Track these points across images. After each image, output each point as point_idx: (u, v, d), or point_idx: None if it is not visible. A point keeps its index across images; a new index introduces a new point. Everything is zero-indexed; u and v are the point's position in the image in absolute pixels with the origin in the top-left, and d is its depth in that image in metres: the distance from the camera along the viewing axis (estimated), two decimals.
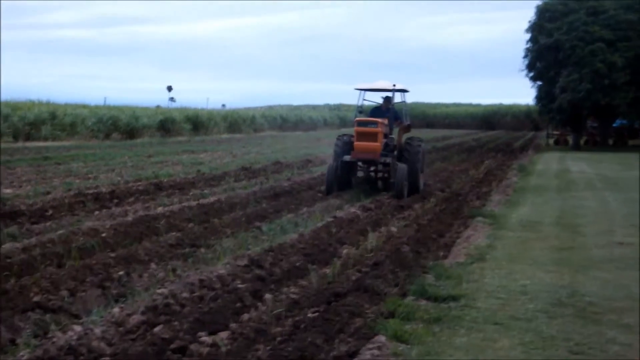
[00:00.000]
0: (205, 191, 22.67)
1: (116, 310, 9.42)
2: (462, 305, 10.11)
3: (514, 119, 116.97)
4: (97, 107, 61.82)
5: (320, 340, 8.41)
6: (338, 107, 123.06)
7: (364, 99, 25.49)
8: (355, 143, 23.29)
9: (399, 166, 23.12)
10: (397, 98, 25.53)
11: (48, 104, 55.30)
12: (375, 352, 7.98)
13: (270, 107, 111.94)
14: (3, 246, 13.21)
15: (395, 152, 24.17)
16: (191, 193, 22.12)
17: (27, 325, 8.93)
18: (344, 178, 23.80)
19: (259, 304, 10.27)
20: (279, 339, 8.60)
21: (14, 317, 9.16)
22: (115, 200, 19.87)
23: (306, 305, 10.16)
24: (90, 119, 52.92)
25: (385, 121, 23.98)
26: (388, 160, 23.51)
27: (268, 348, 8.20)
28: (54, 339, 8.13)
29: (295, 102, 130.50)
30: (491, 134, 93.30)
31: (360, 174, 24.45)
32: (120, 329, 8.78)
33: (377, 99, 25.90)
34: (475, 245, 14.65)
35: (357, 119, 24.11)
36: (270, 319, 9.25)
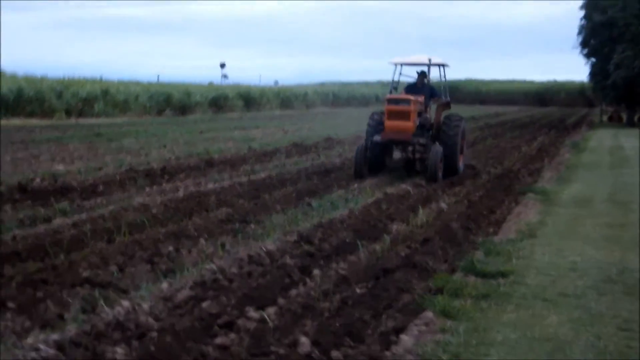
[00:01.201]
0: (256, 167, 22.71)
1: (164, 285, 9.45)
2: (511, 281, 10.05)
3: (567, 95, 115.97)
4: (150, 84, 62.12)
5: (367, 315, 8.41)
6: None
7: (401, 74, 23.75)
8: (386, 122, 21.66)
9: (433, 147, 21.30)
10: (436, 73, 24.29)
11: (101, 81, 55.69)
12: (423, 328, 7.97)
13: (322, 84, 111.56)
14: (54, 221, 13.36)
15: (432, 132, 22.40)
16: (242, 169, 22.14)
17: (75, 300, 8.97)
18: (377, 160, 22.09)
19: (308, 279, 10.26)
20: (326, 314, 8.60)
21: (62, 292, 9.23)
22: (166, 177, 19.94)
23: (355, 281, 10.13)
24: (143, 96, 53.27)
25: (420, 98, 22.13)
26: (422, 140, 21.58)
27: (315, 324, 8.20)
28: (102, 314, 8.17)
29: (348, 79, 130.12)
30: (544, 110, 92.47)
31: (396, 155, 22.43)
32: (168, 304, 8.80)
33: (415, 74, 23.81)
34: (525, 222, 14.54)
35: (388, 96, 22.52)
36: (318, 295, 9.23)
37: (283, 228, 13.38)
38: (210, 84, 76.80)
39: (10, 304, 8.72)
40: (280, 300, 9.20)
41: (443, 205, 16.53)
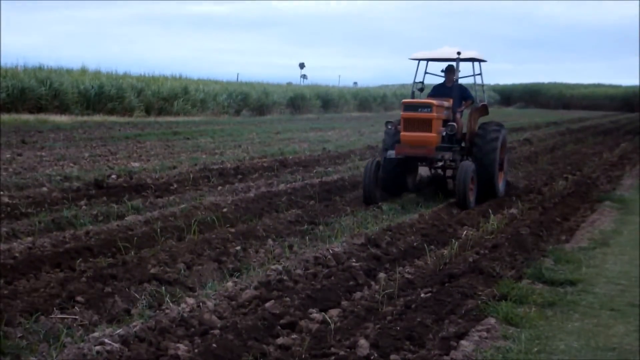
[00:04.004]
0: (329, 169, 22.76)
1: (230, 284, 9.56)
2: (578, 290, 9.91)
3: None
4: (228, 83, 62.66)
5: (429, 320, 8.38)
6: (471, 87, 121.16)
7: (427, 72, 19.39)
8: (402, 133, 17.33)
9: (462, 164, 17.24)
10: (468, 70, 20.15)
11: (181, 79, 56.31)
12: (484, 334, 7.90)
13: (402, 86, 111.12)
14: (126, 218, 13.59)
15: (465, 144, 18.37)
16: (315, 170, 22.22)
17: (142, 296, 9.14)
18: (392, 180, 17.97)
19: (373, 282, 10.28)
20: (389, 318, 8.59)
21: (130, 287, 9.40)
22: (239, 176, 20.17)
23: (420, 285, 10.14)
24: (221, 95, 53.75)
25: (447, 102, 17.94)
26: (448, 155, 17.53)
27: (377, 327, 8.20)
28: (167, 311, 8.29)
29: (427, 81, 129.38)
30: (631, 116, 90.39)
31: (422, 171, 18.86)
32: (233, 302, 8.91)
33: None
34: (600, 230, 14.29)
35: (405, 100, 17.97)
36: (382, 298, 9.22)
37: (351, 230, 13.39)
38: (289, 84, 77.17)
39: (80, 298, 8.94)
40: (344, 303, 9.24)
41: (516, 211, 16.31)
